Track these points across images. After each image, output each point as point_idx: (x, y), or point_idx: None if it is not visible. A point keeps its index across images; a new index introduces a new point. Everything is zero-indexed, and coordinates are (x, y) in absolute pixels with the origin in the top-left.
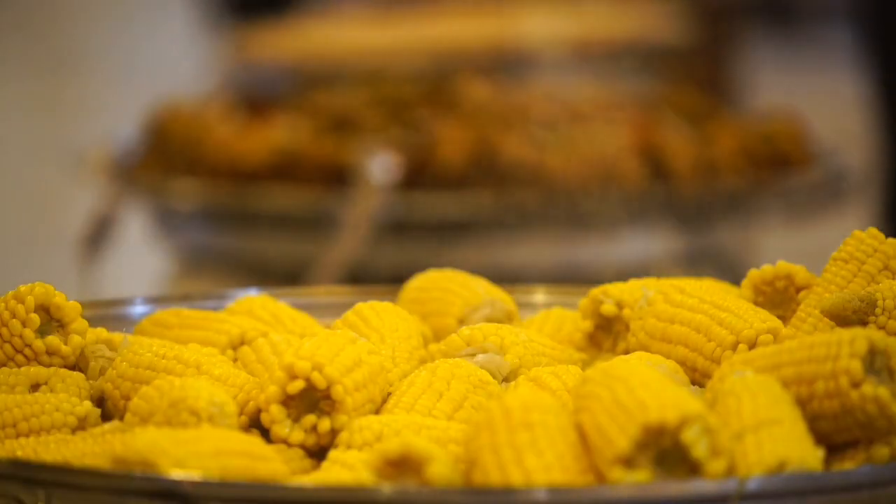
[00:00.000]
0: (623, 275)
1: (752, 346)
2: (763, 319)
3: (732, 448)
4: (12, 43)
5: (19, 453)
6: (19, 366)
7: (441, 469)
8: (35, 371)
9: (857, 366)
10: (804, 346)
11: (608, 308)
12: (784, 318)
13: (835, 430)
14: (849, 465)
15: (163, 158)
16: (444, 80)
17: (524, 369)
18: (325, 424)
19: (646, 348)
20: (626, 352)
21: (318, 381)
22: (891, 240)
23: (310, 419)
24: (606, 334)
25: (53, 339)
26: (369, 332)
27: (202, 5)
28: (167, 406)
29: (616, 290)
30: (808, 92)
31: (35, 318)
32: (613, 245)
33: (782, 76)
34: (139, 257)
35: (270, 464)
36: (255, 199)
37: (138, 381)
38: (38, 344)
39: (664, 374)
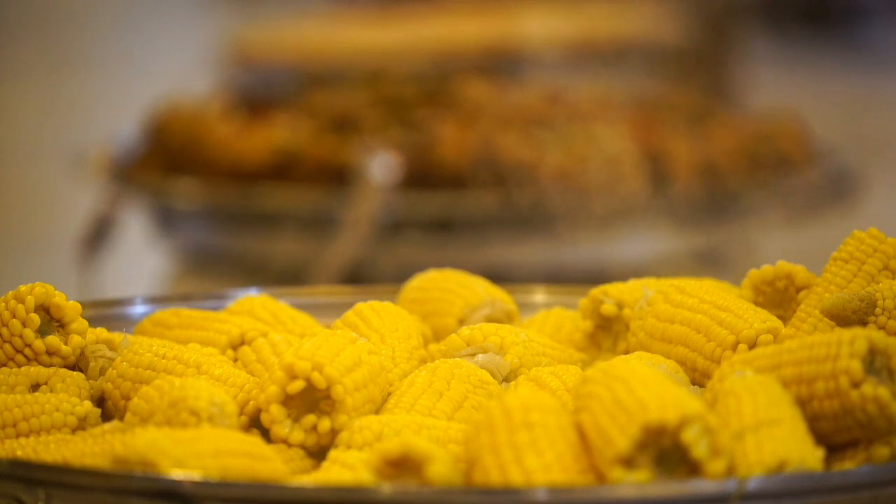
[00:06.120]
0: (623, 275)
1: (752, 346)
2: (763, 319)
3: (732, 448)
4: (12, 44)
5: (19, 453)
6: (19, 366)
7: (441, 469)
8: (35, 371)
9: (857, 366)
10: (804, 346)
11: (608, 308)
12: (784, 318)
13: (835, 430)
14: (849, 465)
15: (163, 158)
16: (444, 80)
17: (524, 369)
18: (325, 424)
19: (646, 348)
20: (626, 352)
21: (318, 381)
22: (891, 240)
23: (310, 419)
24: (606, 334)
25: (53, 339)
26: (369, 332)
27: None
28: (167, 406)
29: (616, 290)
30: (809, 92)
31: (35, 318)
32: (613, 245)
33: (782, 76)
34: (139, 257)
35: (270, 464)
36: (256, 199)
37: (138, 381)
38: (38, 344)
39: (664, 374)
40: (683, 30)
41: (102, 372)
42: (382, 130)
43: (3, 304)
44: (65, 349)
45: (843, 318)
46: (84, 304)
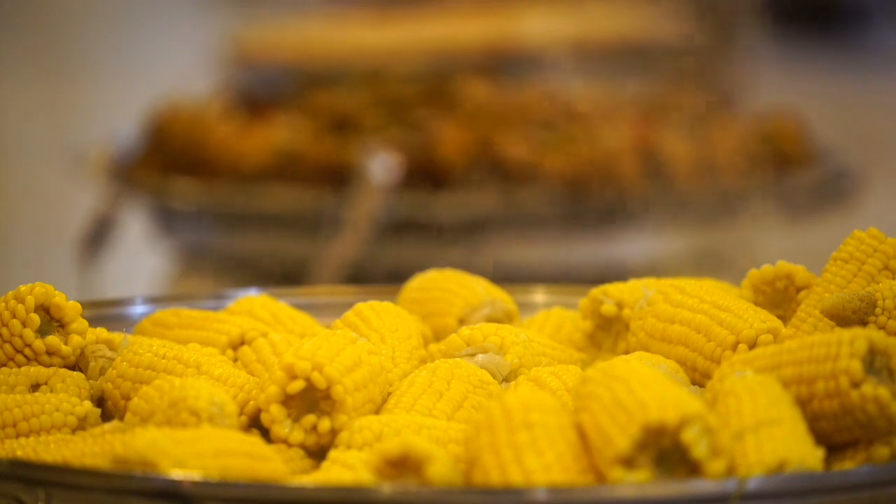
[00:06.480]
0: (623, 275)
1: (752, 346)
2: (763, 319)
3: (732, 448)
4: (11, 43)
5: (19, 453)
6: (19, 366)
7: (441, 469)
8: (35, 371)
9: (857, 366)
10: (804, 346)
11: (608, 308)
12: (784, 318)
13: (835, 430)
14: (849, 465)
15: (163, 158)
16: (444, 80)
17: (524, 369)
18: (325, 424)
19: (646, 348)
20: (626, 352)
21: (318, 381)
22: (891, 240)
23: (310, 419)
24: (606, 334)
25: (53, 339)
26: (369, 332)
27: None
28: (167, 406)
29: (616, 290)
30: (809, 92)
31: (35, 318)
32: (613, 245)
33: (783, 76)
34: (139, 257)
35: (270, 464)
36: (256, 199)
37: (138, 381)
38: (38, 344)
39: (664, 374)
40: (684, 30)
41: (102, 372)
42: (382, 130)
43: (3, 304)
44: (65, 349)
45: (843, 318)
46: (84, 304)
